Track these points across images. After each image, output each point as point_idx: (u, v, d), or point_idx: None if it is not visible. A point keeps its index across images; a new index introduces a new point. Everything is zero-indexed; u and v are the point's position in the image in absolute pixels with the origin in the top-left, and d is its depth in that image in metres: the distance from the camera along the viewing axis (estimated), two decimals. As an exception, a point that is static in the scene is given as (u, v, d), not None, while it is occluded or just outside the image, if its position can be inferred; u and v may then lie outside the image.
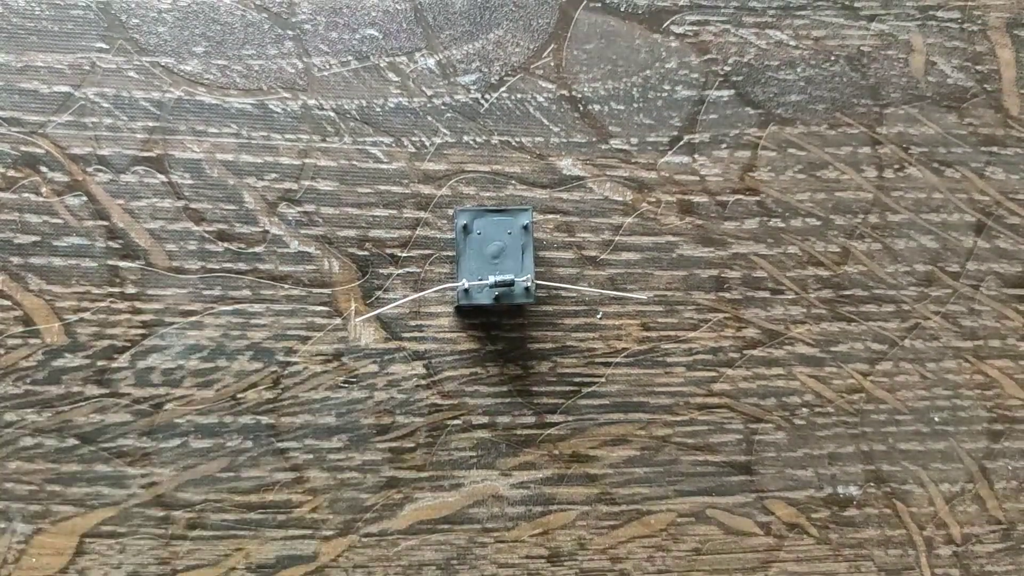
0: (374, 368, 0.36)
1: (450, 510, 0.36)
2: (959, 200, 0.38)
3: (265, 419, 0.35)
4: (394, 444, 0.36)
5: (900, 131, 0.38)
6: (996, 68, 0.39)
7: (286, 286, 0.36)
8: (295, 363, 0.35)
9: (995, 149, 0.39)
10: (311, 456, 0.35)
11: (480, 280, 0.33)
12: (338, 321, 0.36)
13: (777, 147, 0.38)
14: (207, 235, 0.36)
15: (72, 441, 0.34)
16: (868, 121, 0.38)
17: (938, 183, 0.38)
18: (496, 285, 0.33)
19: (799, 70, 0.38)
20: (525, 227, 0.34)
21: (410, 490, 0.36)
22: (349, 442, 0.36)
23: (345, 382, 0.36)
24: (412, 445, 0.36)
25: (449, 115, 0.37)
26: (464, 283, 0.33)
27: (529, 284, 0.33)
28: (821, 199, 0.38)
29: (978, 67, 0.39)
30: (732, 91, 0.38)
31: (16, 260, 0.35)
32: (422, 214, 0.37)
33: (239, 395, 0.35)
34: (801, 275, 0.38)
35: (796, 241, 0.38)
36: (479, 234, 0.34)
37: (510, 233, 0.34)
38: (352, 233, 0.36)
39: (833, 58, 0.38)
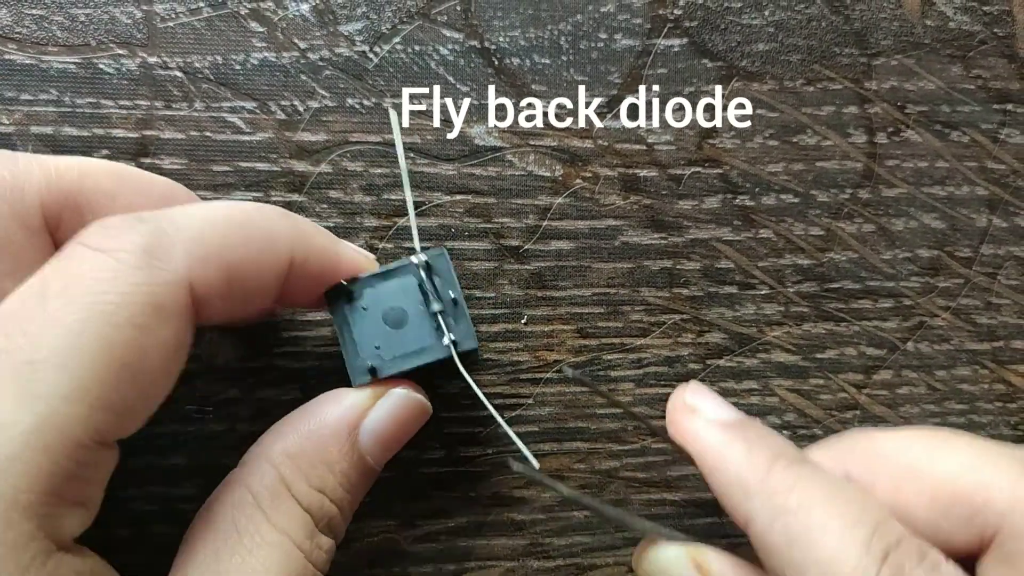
0: (236, 393, 0.28)
1: (337, 571, 0.28)
2: (968, 169, 0.31)
3: (97, 462, 0.28)
4: (263, 490, 0.29)
5: (893, 86, 0.31)
6: (1008, 8, 0.32)
7: (123, 292, 0.28)
8: (135, 389, 0.28)
9: (1010, 107, 0.31)
10: (156, 507, 0.28)
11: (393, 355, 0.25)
12: (188, 334, 0.28)
13: (742, 108, 0.31)
14: (20, 229, 0.28)
15: None
16: (854, 74, 0.31)
17: (942, 149, 0.31)
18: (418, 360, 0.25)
19: (767, 13, 0.31)
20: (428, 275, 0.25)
21: (284, 548, 0.29)
22: (205, 488, 0.28)
23: (198, 411, 0.28)
24: (286, 490, 0.29)
25: (328, 73, 0.29)
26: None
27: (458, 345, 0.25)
28: (799, 171, 0.31)
29: (985, 7, 0.31)
30: (685, 39, 0.30)
31: None
32: (295, 197, 0.29)
33: (64, 432, 0.28)
34: (776, 265, 0.30)
35: (769, 223, 0.30)
36: (365, 309, 0.25)
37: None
38: (206, 223, 0.29)
39: (809, -2, 0.31)
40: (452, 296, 0.25)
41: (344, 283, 0.25)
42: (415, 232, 0.26)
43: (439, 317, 0.25)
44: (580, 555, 0.30)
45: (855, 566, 0.19)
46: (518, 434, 0.29)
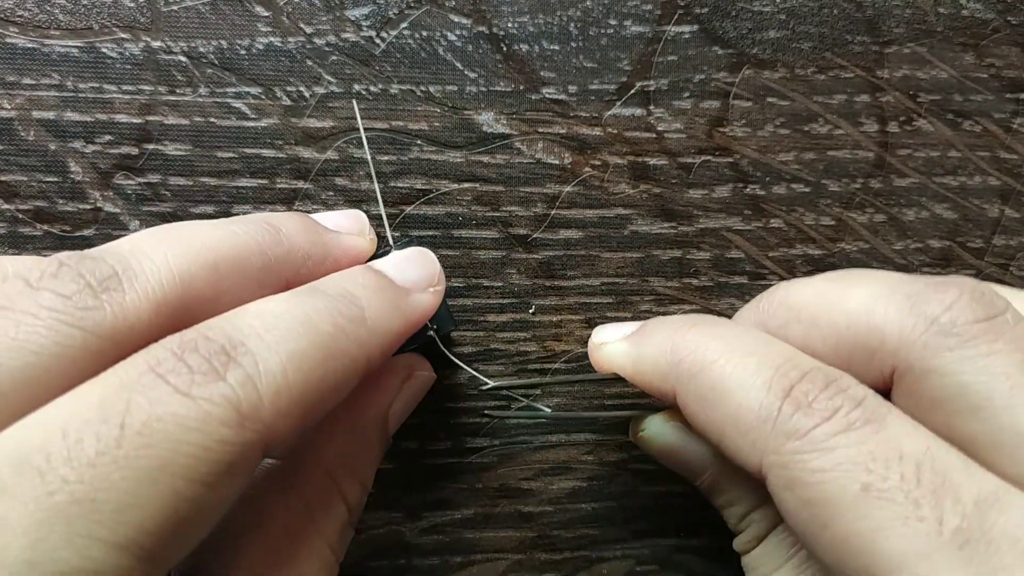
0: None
1: (343, 563, 0.28)
2: (980, 159, 0.31)
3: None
4: (267, 480, 0.28)
5: (906, 75, 0.31)
6: (1022, -4, 0.31)
7: (126, 279, 0.28)
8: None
9: (1023, 96, 0.31)
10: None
11: None
12: (192, 323, 0.28)
13: (753, 96, 0.30)
14: (21, 215, 0.28)
15: None
16: (866, 63, 0.31)
17: (954, 138, 0.31)
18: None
19: (778, 0, 0.30)
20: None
21: (289, 539, 0.28)
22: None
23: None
24: (291, 481, 0.28)
25: (335, 58, 0.29)
26: None
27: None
28: (810, 160, 0.30)
29: (999, -5, 0.31)
30: (696, 26, 0.30)
31: None
32: (301, 184, 0.29)
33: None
34: (787, 255, 0.30)
35: (780, 212, 0.30)
36: None
37: None
38: (210, 209, 0.28)
39: (820, -15, 0.31)
40: None
41: None
42: (388, 233, 0.28)
43: None
44: (587, 547, 0.29)
45: (759, 408, 0.19)
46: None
